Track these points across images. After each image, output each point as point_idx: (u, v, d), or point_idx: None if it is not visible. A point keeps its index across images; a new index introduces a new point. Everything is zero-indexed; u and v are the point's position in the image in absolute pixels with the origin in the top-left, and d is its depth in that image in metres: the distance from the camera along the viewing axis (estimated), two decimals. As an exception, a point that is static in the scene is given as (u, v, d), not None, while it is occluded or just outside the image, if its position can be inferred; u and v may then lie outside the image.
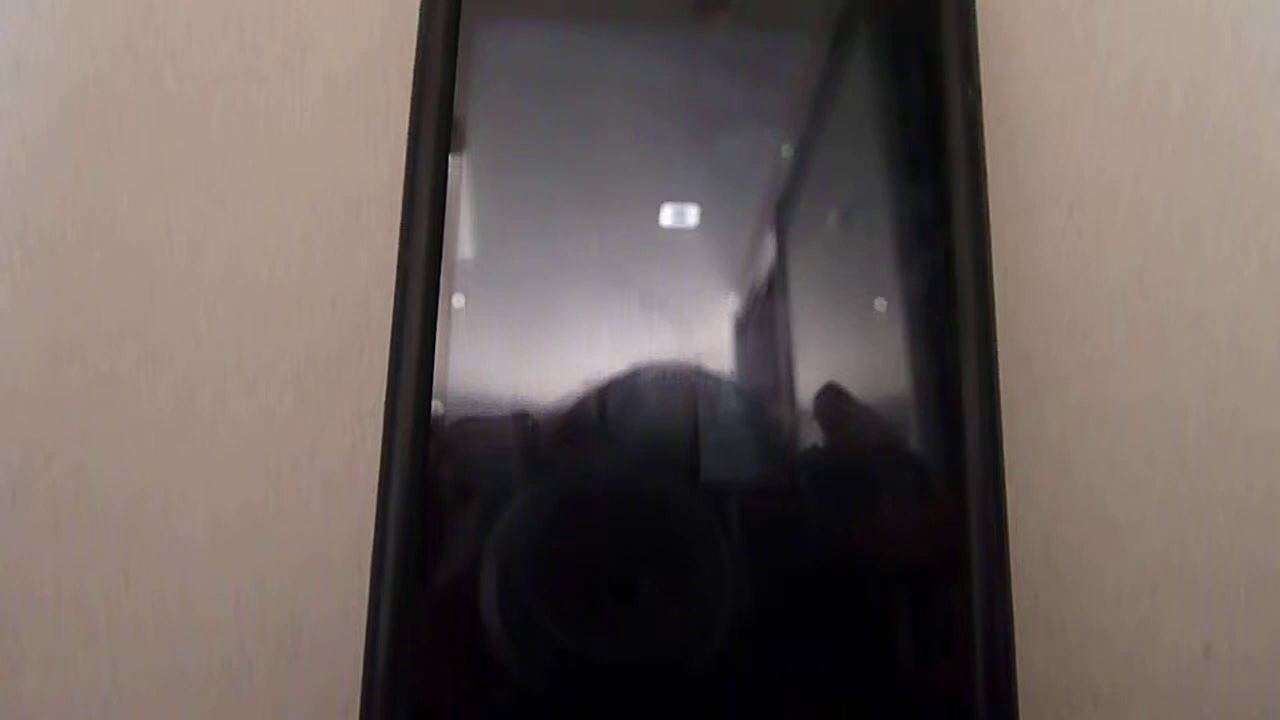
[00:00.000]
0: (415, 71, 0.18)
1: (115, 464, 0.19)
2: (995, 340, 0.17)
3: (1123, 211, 0.20)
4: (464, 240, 0.17)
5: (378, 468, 0.16)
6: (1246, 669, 0.18)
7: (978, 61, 0.18)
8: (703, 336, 0.17)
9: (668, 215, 0.18)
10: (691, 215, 0.18)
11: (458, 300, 0.17)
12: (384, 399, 0.16)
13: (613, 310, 0.17)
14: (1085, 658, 0.18)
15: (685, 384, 0.17)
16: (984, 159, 0.18)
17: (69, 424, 0.19)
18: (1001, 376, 0.17)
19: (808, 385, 0.17)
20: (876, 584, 0.16)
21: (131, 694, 0.18)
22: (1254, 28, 0.21)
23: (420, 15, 0.18)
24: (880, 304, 0.17)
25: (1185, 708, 0.18)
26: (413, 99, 0.18)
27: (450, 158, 0.17)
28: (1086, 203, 0.20)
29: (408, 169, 0.17)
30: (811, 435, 0.17)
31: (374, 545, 0.16)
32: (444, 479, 0.16)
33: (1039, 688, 0.18)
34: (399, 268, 0.17)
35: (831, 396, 0.17)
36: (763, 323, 0.17)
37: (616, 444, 0.17)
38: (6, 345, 0.19)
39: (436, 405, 0.16)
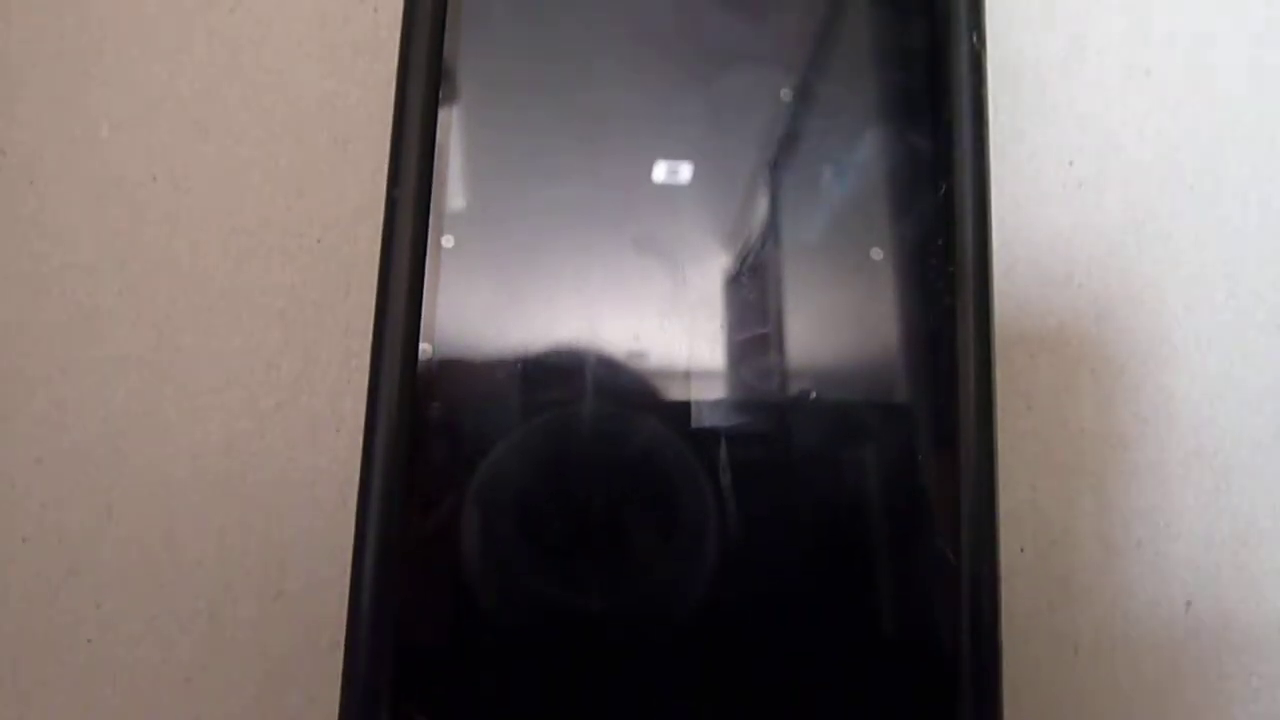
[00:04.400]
0: (405, 6, 0.17)
1: (97, 399, 0.18)
2: (992, 290, 0.17)
3: (1124, 164, 0.19)
4: (454, 180, 0.17)
5: (363, 408, 0.16)
6: (1226, 625, 0.18)
7: (984, 10, 0.18)
8: (695, 284, 0.17)
9: (660, 168, 0.17)
10: (685, 162, 0.17)
11: (447, 240, 0.17)
12: (370, 339, 0.16)
13: (605, 255, 0.17)
14: (1069, 608, 0.18)
15: (677, 330, 0.17)
16: (987, 108, 0.17)
17: (50, 357, 0.18)
18: (997, 326, 0.17)
19: (800, 334, 0.17)
20: (865, 532, 0.16)
21: (115, 630, 0.18)
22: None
23: None
24: (877, 253, 0.17)
25: (1165, 660, 0.18)
26: (402, 34, 0.17)
27: (440, 95, 0.17)
28: (1088, 154, 0.19)
29: (396, 105, 0.17)
30: (802, 383, 0.17)
31: (359, 485, 0.16)
32: (431, 420, 0.16)
33: (1023, 636, 0.18)
34: (387, 206, 0.16)
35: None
36: (756, 270, 0.17)
37: (605, 389, 0.17)
38: None
39: (424, 347, 0.16)
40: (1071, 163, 0.19)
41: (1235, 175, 0.20)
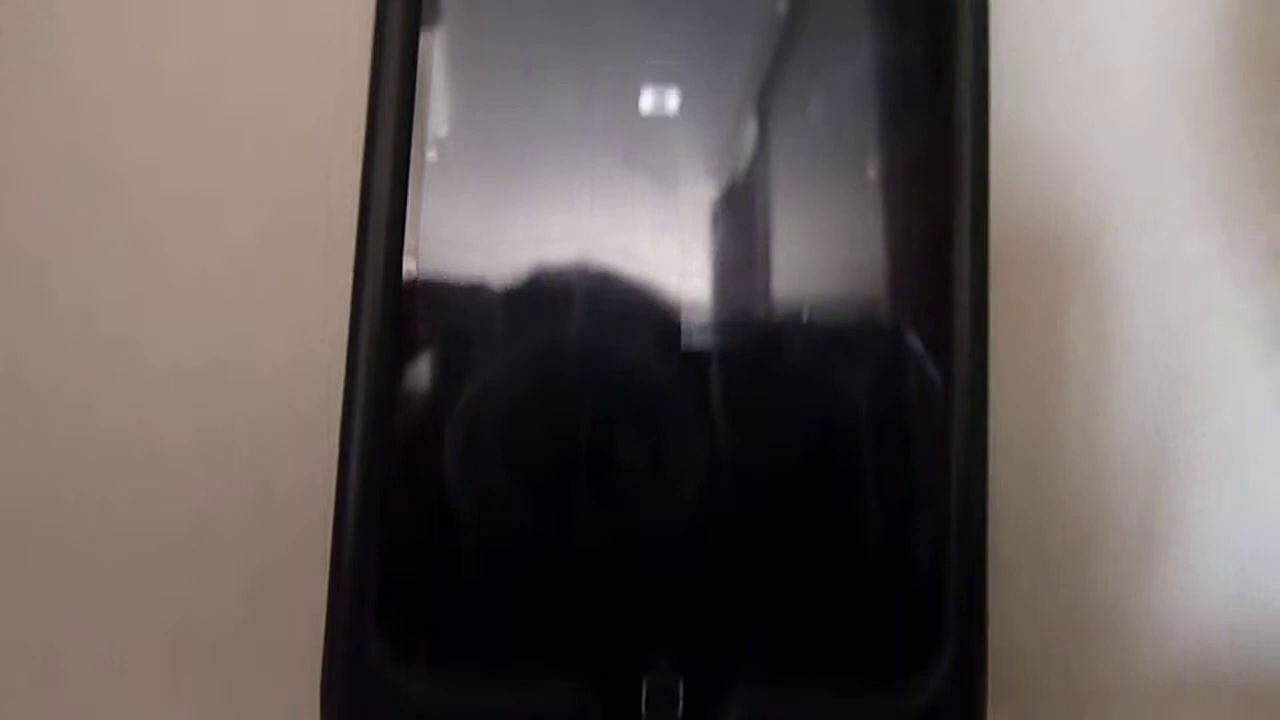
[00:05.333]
0: None
1: (73, 304, 0.18)
2: (988, 207, 0.16)
3: (1127, 85, 0.19)
4: (438, 92, 0.16)
5: (347, 323, 0.16)
6: (1225, 592, 0.18)
7: None
8: (685, 205, 0.17)
9: (650, 89, 0.17)
10: (674, 83, 0.17)
11: (431, 154, 0.16)
12: (353, 252, 0.16)
13: (595, 172, 0.17)
14: (1060, 579, 0.18)
15: (667, 250, 0.17)
16: (987, 12, 0.17)
17: (25, 263, 0.18)
18: (994, 245, 0.16)
19: (792, 254, 0.17)
20: (854, 453, 0.16)
21: (96, 539, 0.18)
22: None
23: None
24: (870, 170, 0.17)
25: (1160, 633, 0.18)
26: None
27: (423, 14, 0.16)
28: (1091, 68, 0.19)
29: (377, 20, 0.16)
30: (794, 307, 0.17)
31: (343, 402, 0.16)
32: (414, 338, 0.16)
33: (1010, 548, 0.18)
34: (369, 115, 0.16)
35: None
36: (748, 190, 0.17)
37: (593, 311, 0.16)
38: None
39: (408, 263, 0.16)
40: (1075, 77, 0.19)
41: (1237, 101, 0.19)
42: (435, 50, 0.17)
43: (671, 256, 0.17)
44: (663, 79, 0.17)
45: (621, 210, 0.17)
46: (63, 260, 0.18)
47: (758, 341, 0.17)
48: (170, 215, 0.18)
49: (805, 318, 0.17)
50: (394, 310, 0.16)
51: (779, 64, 0.17)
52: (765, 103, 0.17)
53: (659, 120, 0.17)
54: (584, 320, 0.16)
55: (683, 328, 0.16)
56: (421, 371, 0.16)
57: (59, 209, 0.18)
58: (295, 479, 0.18)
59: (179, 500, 0.18)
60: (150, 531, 0.18)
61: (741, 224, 0.17)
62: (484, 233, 0.16)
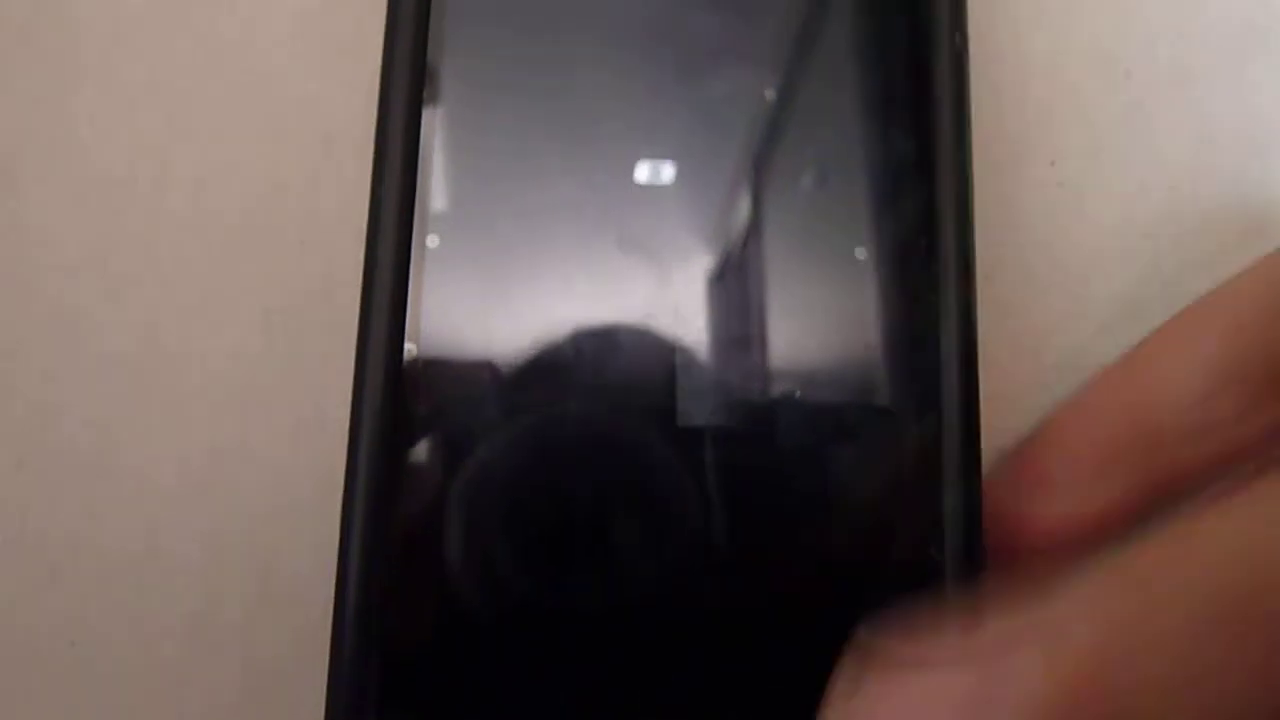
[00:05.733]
0: (388, 7, 0.17)
1: (80, 401, 0.18)
2: (975, 291, 0.17)
3: (1107, 167, 0.20)
4: (437, 181, 0.17)
5: (347, 410, 0.16)
6: None
7: (965, 9, 0.18)
8: (680, 284, 0.17)
9: (644, 168, 0.17)
10: (669, 162, 0.18)
11: (431, 241, 0.17)
12: (354, 340, 0.16)
13: (589, 255, 0.17)
14: None
15: (662, 330, 0.17)
16: (969, 108, 0.17)
17: (32, 360, 0.18)
18: (981, 328, 0.17)
19: (784, 333, 0.17)
20: (848, 530, 0.17)
21: (98, 634, 0.18)
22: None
23: None
24: (860, 253, 0.17)
25: None
26: (385, 33, 0.17)
27: (424, 95, 0.17)
28: (1070, 156, 0.20)
29: (380, 107, 0.17)
30: (786, 383, 0.17)
31: (344, 485, 0.16)
32: (415, 421, 0.16)
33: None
34: (371, 207, 0.16)
35: None
36: (740, 271, 0.17)
37: (590, 389, 0.17)
38: None
39: (409, 347, 0.16)
40: (1053, 164, 0.20)
41: (1221, 182, 0.20)
42: (437, 133, 0.17)
43: (666, 337, 0.17)
44: (657, 157, 0.17)
45: (616, 288, 0.17)
46: (67, 356, 0.18)
47: (750, 418, 0.17)
48: (172, 310, 0.19)
49: (798, 393, 0.17)
50: (394, 394, 0.16)
51: (770, 143, 0.18)
52: (758, 181, 0.18)
53: (652, 197, 0.17)
54: (579, 399, 0.17)
55: (677, 406, 0.17)
56: (421, 455, 0.16)
57: (63, 305, 0.19)
58: (294, 569, 0.18)
59: (179, 593, 0.18)
60: (150, 624, 0.18)
61: (732, 305, 0.17)
62: (483, 314, 0.17)
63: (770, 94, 0.18)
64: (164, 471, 0.18)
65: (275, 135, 0.19)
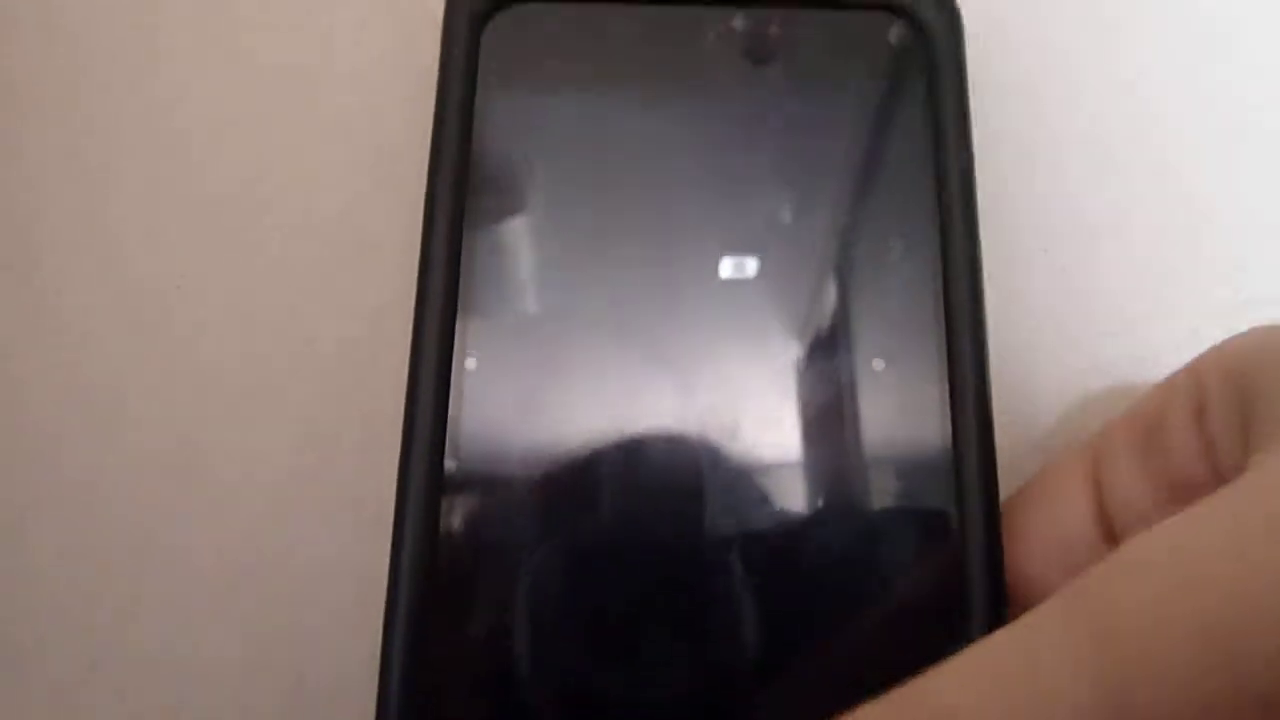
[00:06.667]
0: (433, 131, 0.18)
1: (121, 497, 0.19)
2: (990, 397, 0.17)
3: (1104, 254, 0.20)
4: (476, 303, 0.18)
5: (384, 503, 0.16)
6: None
7: (970, 132, 0.19)
8: (707, 395, 0.18)
9: (682, 284, 0.18)
10: (710, 276, 0.18)
11: (470, 363, 0.17)
12: (386, 443, 0.17)
13: (621, 371, 0.18)
14: None
15: (691, 441, 0.18)
16: (977, 217, 0.18)
17: (76, 460, 0.19)
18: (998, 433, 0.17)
19: (810, 440, 0.18)
20: (878, 630, 0.17)
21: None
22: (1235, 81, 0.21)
23: (437, 80, 0.18)
24: (879, 363, 0.18)
25: None
26: (430, 155, 0.18)
27: (466, 210, 0.18)
28: (1064, 242, 0.20)
29: (424, 231, 0.18)
30: (811, 492, 0.18)
31: (386, 601, 0.16)
32: (455, 534, 0.17)
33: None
34: (414, 331, 0.17)
35: None
36: (769, 381, 0.18)
37: (623, 503, 0.17)
38: (16, 381, 0.19)
39: (449, 463, 0.17)
40: (1046, 250, 0.20)
41: (1216, 268, 0.20)
42: (477, 255, 0.18)
43: (696, 450, 0.18)
44: (695, 276, 0.18)
45: (645, 406, 0.18)
46: (112, 454, 0.19)
47: (780, 524, 0.17)
48: (212, 410, 0.19)
49: (820, 503, 0.18)
50: (434, 507, 0.17)
51: (794, 268, 0.18)
52: (789, 283, 0.18)
53: (682, 319, 0.18)
54: (613, 512, 0.17)
55: (706, 514, 0.17)
56: (462, 566, 0.17)
57: (109, 409, 0.19)
58: (332, 670, 0.18)
59: (215, 693, 0.18)
60: (188, 717, 0.18)
61: (763, 414, 0.18)
62: (517, 430, 0.17)
63: (787, 215, 0.19)
64: (202, 563, 0.19)
65: (314, 243, 0.20)
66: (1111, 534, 0.17)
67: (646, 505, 0.17)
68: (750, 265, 0.18)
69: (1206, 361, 0.16)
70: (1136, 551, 0.12)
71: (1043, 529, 0.17)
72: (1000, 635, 0.13)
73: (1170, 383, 0.16)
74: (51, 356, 0.20)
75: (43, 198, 0.20)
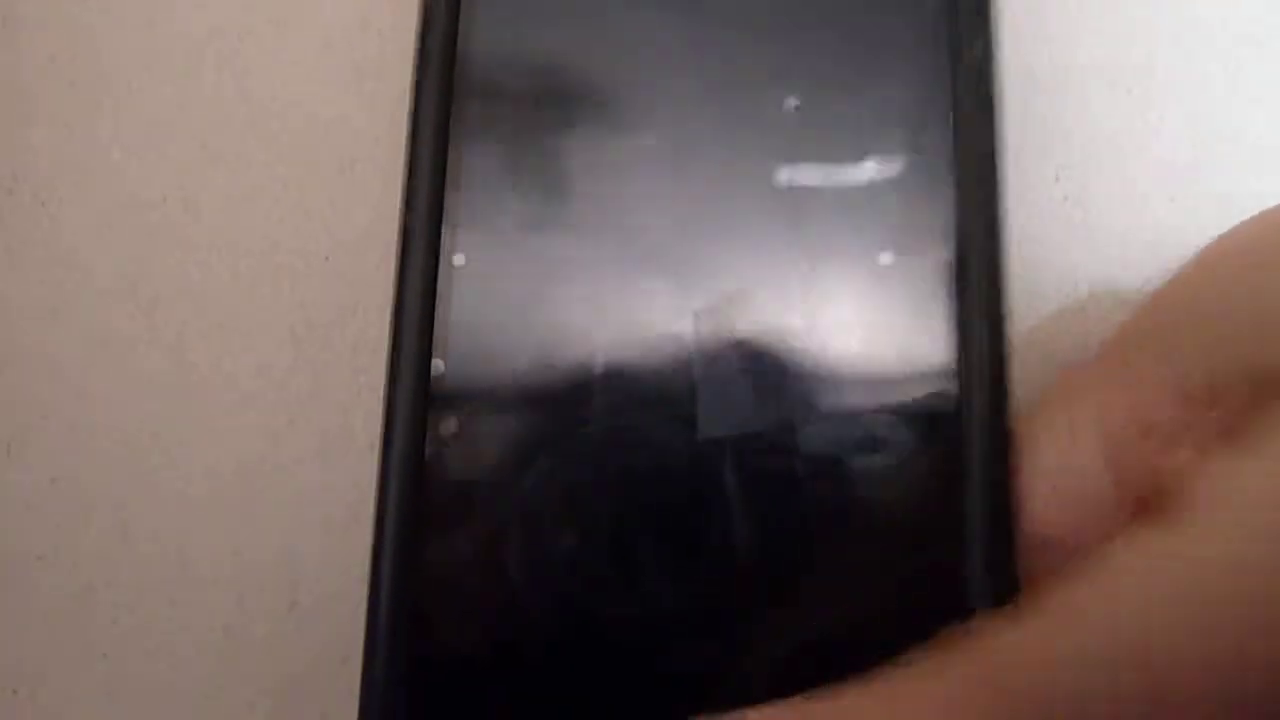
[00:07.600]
0: (419, 26, 0.17)
1: (112, 420, 0.19)
2: (1004, 301, 0.17)
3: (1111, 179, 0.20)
4: (465, 198, 0.17)
5: (374, 425, 0.16)
6: None
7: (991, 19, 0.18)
8: (702, 295, 0.17)
9: (675, 187, 0.17)
10: (699, 174, 0.18)
11: (458, 259, 0.17)
12: (385, 357, 0.16)
13: (616, 269, 0.17)
14: None
15: (687, 343, 0.17)
16: (998, 113, 0.17)
17: (66, 381, 0.19)
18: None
19: (809, 342, 0.17)
20: (877, 540, 0.17)
21: (130, 646, 0.18)
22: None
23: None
24: (885, 258, 0.17)
25: None
26: (416, 48, 0.17)
27: (451, 113, 0.17)
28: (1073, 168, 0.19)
29: (410, 126, 0.17)
30: (815, 397, 0.17)
31: (376, 502, 0.16)
32: (444, 436, 0.16)
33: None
34: (401, 228, 0.17)
35: None
36: (765, 281, 0.17)
37: (614, 405, 0.17)
38: (3, 300, 0.19)
39: (437, 363, 0.16)
40: (1057, 178, 0.20)
41: (1223, 191, 0.20)
42: (463, 159, 0.17)
43: (690, 350, 0.17)
44: (684, 178, 0.18)
45: (640, 308, 0.17)
46: (101, 373, 0.19)
47: (775, 429, 0.17)
48: (202, 326, 0.19)
49: (822, 406, 0.17)
50: (422, 408, 0.16)
51: (792, 158, 0.18)
52: (783, 192, 0.18)
53: (679, 219, 0.17)
54: (604, 415, 0.17)
55: (700, 417, 0.17)
56: (450, 467, 0.16)
57: (98, 329, 0.19)
58: (323, 584, 0.18)
59: (210, 608, 0.18)
60: (181, 638, 0.18)
61: (758, 311, 0.17)
62: (508, 331, 0.17)
63: (793, 101, 0.18)
64: (193, 487, 0.18)
65: (299, 159, 0.19)
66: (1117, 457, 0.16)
67: (641, 410, 0.17)
68: (749, 158, 0.18)
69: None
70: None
71: (1045, 443, 0.17)
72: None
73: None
74: (39, 274, 0.19)
75: (33, 109, 0.20)
